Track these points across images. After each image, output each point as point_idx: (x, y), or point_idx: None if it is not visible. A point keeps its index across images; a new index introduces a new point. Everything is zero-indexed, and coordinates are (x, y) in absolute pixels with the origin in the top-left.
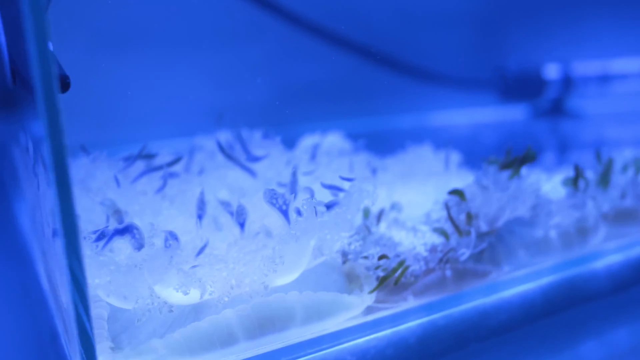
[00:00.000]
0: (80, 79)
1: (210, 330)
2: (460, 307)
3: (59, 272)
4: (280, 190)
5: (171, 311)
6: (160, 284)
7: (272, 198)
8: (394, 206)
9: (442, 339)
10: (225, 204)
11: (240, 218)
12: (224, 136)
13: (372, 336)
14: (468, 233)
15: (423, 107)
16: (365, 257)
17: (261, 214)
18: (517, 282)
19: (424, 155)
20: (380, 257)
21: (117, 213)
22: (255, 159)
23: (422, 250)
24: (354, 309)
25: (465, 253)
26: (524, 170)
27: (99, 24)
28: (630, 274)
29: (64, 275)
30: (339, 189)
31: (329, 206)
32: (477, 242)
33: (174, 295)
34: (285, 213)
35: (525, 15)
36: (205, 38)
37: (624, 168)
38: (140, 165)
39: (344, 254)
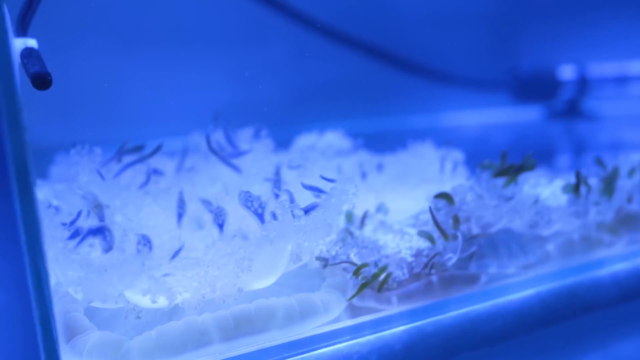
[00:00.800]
0: (91, 78)
1: (184, 330)
2: (450, 313)
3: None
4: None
5: (139, 318)
6: (131, 289)
7: (247, 201)
8: (380, 208)
9: (430, 346)
10: (207, 203)
11: (219, 219)
12: (219, 135)
13: (354, 341)
14: (455, 237)
15: (436, 108)
16: (347, 262)
17: (243, 215)
18: (514, 289)
19: (423, 154)
20: (361, 266)
21: (98, 207)
22: (240, 154)
23: (407, 255)
24: (332, 312)
25: (452, 258)
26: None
27: (104, 24)
28: (637, 282)
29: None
30: (320, 191)
31: (307, 210)
32: (465, 246)
33: (144, 300)
34: (260, 216)
35: (541, 16)
36: (212, 38)
37: (631, 172)
38: (127, 160)
39: (324, 259)
